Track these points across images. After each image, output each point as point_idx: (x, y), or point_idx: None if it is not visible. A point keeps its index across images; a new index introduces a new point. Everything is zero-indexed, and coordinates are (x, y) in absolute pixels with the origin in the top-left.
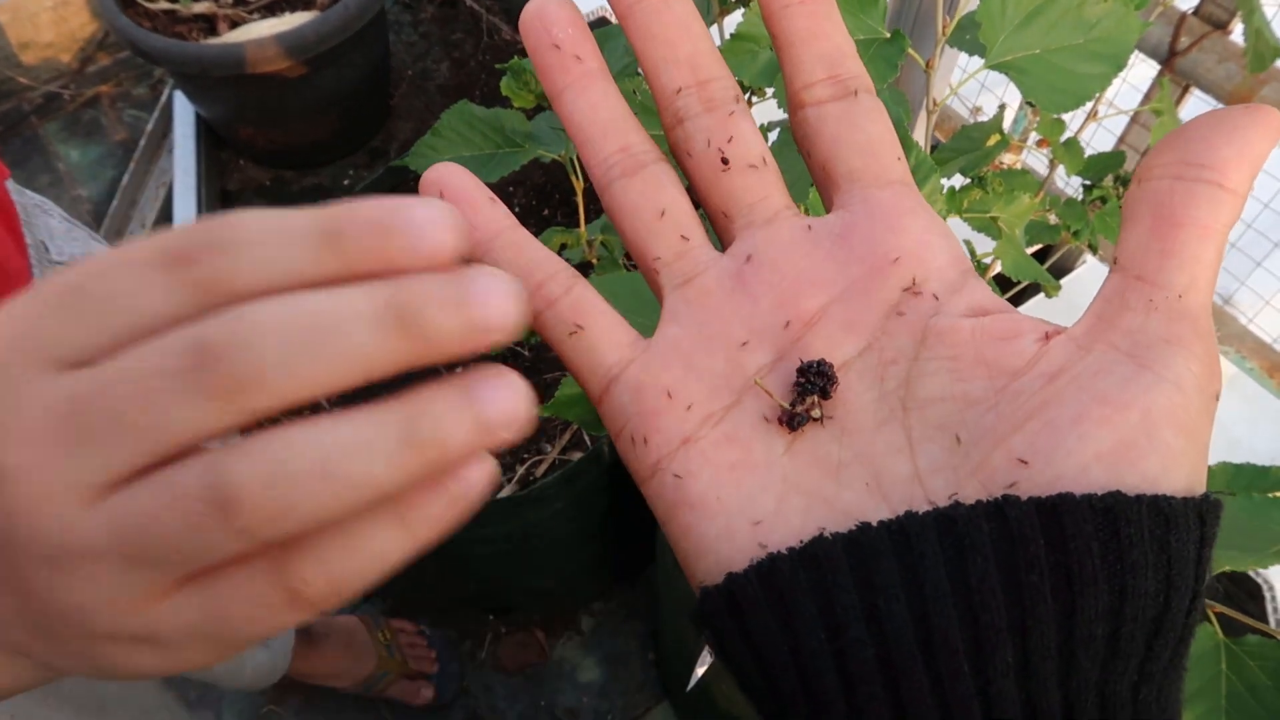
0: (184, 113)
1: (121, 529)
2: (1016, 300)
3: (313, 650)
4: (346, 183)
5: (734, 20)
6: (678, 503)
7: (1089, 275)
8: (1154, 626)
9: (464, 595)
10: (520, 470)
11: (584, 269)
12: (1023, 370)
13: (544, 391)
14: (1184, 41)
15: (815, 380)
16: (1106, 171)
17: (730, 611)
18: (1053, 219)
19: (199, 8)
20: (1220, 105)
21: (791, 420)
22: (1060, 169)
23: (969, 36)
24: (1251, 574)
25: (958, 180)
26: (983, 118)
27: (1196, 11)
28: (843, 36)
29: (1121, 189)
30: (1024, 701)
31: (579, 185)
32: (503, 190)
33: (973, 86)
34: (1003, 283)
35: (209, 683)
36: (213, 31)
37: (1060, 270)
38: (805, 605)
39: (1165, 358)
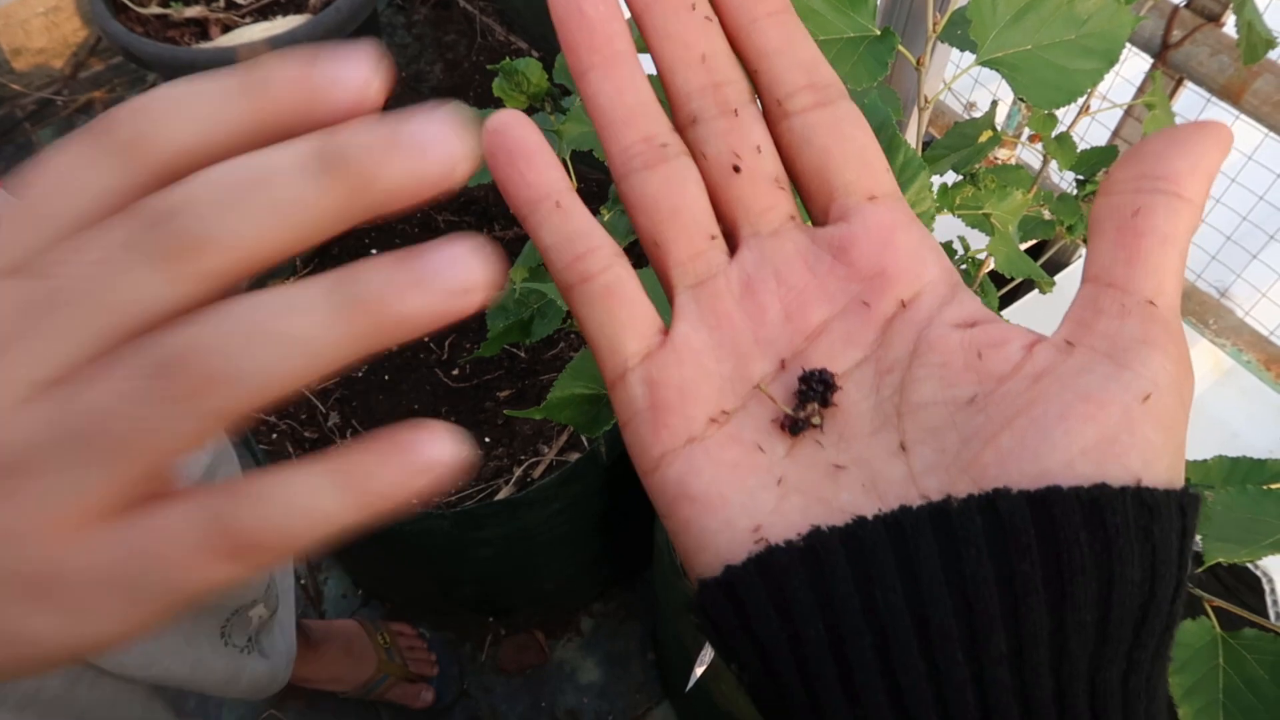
0: None
1: (65, 419)
2: (1011, 296)
3: (312, 655)
4: None
5: None
6: (679, 497)
7: None
8: (1140, 614)
9: (463, 598)
10: (518, 472)
11: None
12: (1009, 374)
13: (540, 394)
14: (1176, 35)
15: (816, 388)
16: (1100, 166)
17: (729, 603)
18: (1047, 214)
19: (191, 12)
20: (1214, 98)
21: (793, 425)
22: (1053, 164)
23: (960, 32)
24: (1250, 567)
25: (950, 177)
26: (977, 113)
27: (1189, 4)
28: (812, 46)
29: None
30: (1017, 688)
31: (573, 185)
32: (499, 191)
33: (966, 82)
34: (997, 279)
35: (203, 693)
36: (205, 36)
37: (1055, 266)
38: (803, 595)
39: (1142, 357)
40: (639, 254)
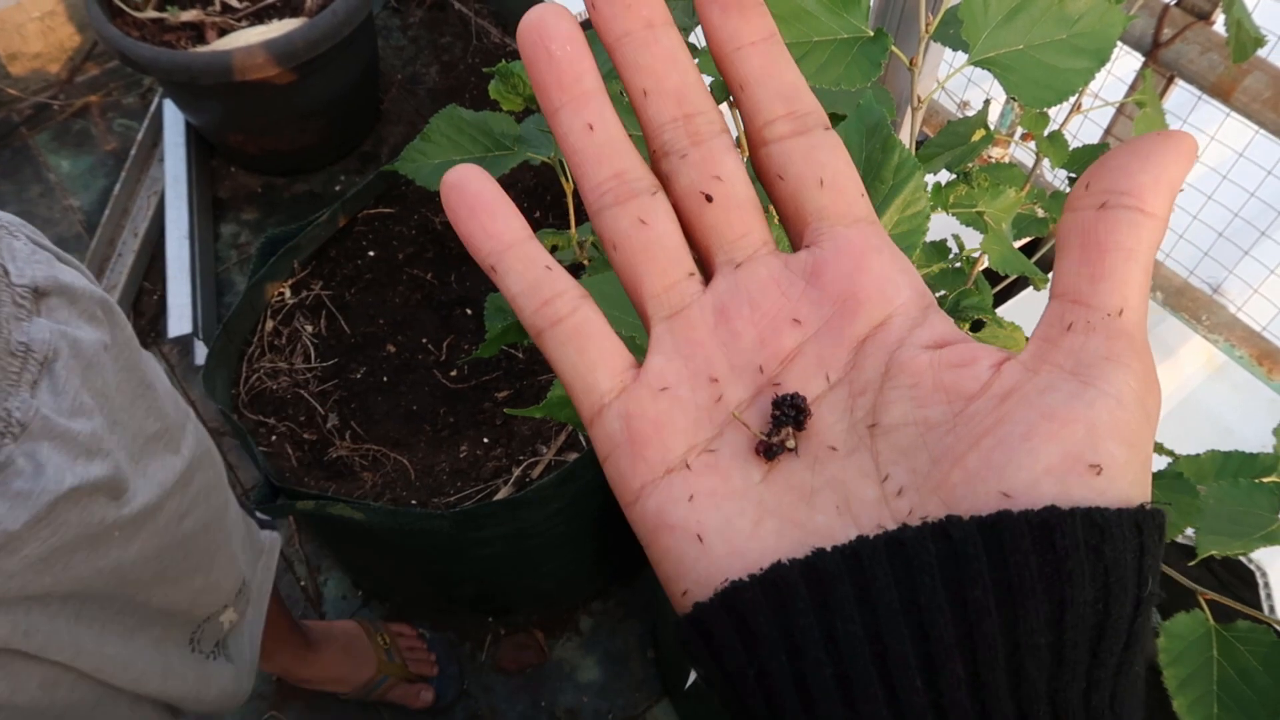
0: (174, 121)
1: None
2: (1005, 294)
3: (312, 656)
4: (338, 188)
5: None
6: (659, 527)
7: None
8: (1096, 633)
9: (463, 598)
10: (516, 472)
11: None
12: (978, 394)
13: (538, 394)
14: (1167, 33)
15: (789, 412)
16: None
17: (700, 637)
18: (1040, 212)
19: (187, 16)
20: (1205, 95)
21: (768, 450)
22: (1046, 162)
23: (952, 32)
24: (1243, 560)
25: (944, 175)
26: (970, 112)
27: (1179, 3)
28: (795, 73)
29: None
30: (977, 712)
31: (569, 187)
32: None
33: (959, 80)
34: (991, 276)
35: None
36: (201, 40)
37: (1048, 263)
38: (766, 630)
39: (1106, 374)
40: None
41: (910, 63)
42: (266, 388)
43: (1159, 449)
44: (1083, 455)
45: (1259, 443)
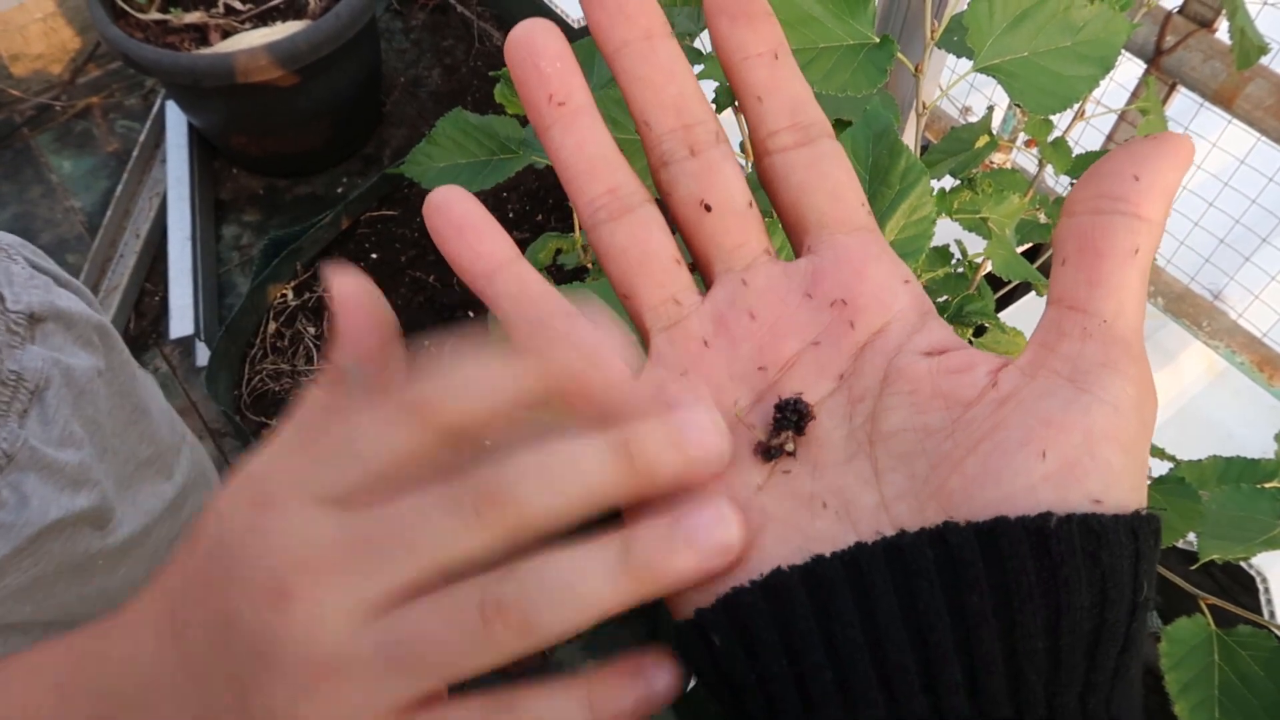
0: (176, 123)
1: (394, 641)
2: (1008, 299)
3: None
4: (340, 190)
5: None
6: None
7: None
8: (1093, 638)
9: None
10: None
11: (579, 274)
12: (975, 400)
13: None
14: (1170, 40)
15: (791, 416)
16: None
17: (701, 643)
18: (1043, 218)
19: (190, 18)
20: (1207, 103)
21: (767, 452)
22: (1049, 168)
23: (957, 39)
24: (1245, 566)
25: (948, 181)
26: (973, 118)
27: (1182, 10)
28: (801, 84)
29: None
30: (976, 717)
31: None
32: (497, 196)
33: (962, 87)
34: (994, 282)
35: None
36: (204, 41)
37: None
38: (767, 635)
39: (1103, 381)
40: None
41: (915, 69)
42: (269, 389)
43: (1161, 454)
44: (1080, 462)
45: (1260, 448)
